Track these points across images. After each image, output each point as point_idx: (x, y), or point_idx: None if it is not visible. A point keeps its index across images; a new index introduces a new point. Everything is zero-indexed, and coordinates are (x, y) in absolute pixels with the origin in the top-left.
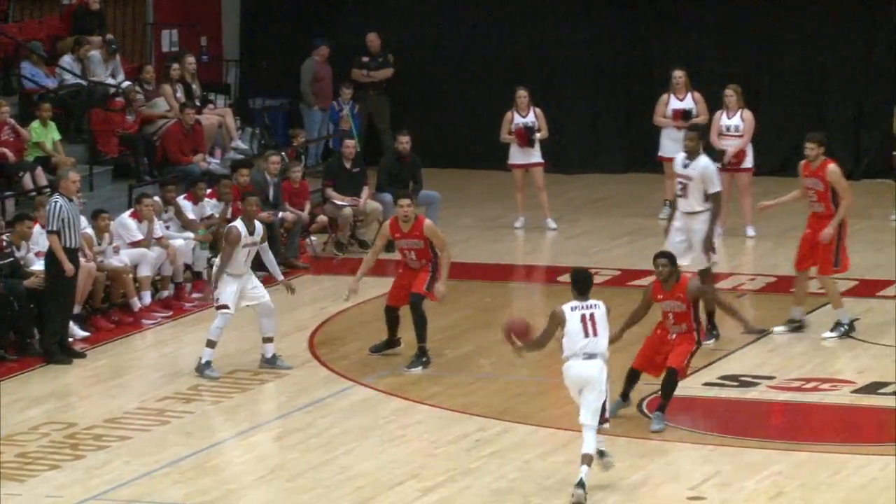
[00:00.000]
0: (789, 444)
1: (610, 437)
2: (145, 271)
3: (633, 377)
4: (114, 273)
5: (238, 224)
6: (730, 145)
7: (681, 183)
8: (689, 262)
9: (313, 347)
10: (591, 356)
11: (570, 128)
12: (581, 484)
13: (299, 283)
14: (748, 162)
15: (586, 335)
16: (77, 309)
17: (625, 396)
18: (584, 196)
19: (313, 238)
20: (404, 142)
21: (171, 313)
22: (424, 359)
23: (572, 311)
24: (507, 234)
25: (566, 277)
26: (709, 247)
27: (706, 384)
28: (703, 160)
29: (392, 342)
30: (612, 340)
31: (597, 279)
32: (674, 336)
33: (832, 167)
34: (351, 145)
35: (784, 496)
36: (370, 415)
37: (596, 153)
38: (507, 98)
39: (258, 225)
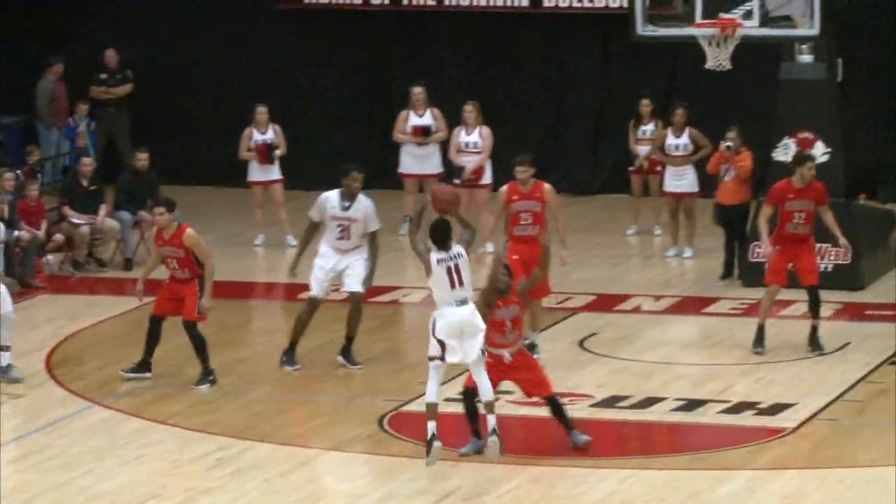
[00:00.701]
0: (528, 458)
1: (352, 454)
2: None
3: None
4: None
5: None
6: (469, 161)
7: (341, 225)
8: (317, 292)
9: (50, 368)
10: (462, 302)
11: (310, 144)
12: (494, 431)
13: (36, 303)
14: (487, 178)
15: (452, 286)
16: None
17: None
18: None
19: (50, 257)
20: (142, 159)
21: None
22: (211, 377)
23: (438, 265)
24: (247, 251)
25: (306, 294)
26: (369, 283)
27: (446, 399)
28: (364, 199)
29: (144, 365)
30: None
31: (332, 295)
32: (510, 356)
33: (549, 187)
34: (87, 163)
35: None
36: (109, 435)
37: (336, 169)
38: (247, 115)
39: None
